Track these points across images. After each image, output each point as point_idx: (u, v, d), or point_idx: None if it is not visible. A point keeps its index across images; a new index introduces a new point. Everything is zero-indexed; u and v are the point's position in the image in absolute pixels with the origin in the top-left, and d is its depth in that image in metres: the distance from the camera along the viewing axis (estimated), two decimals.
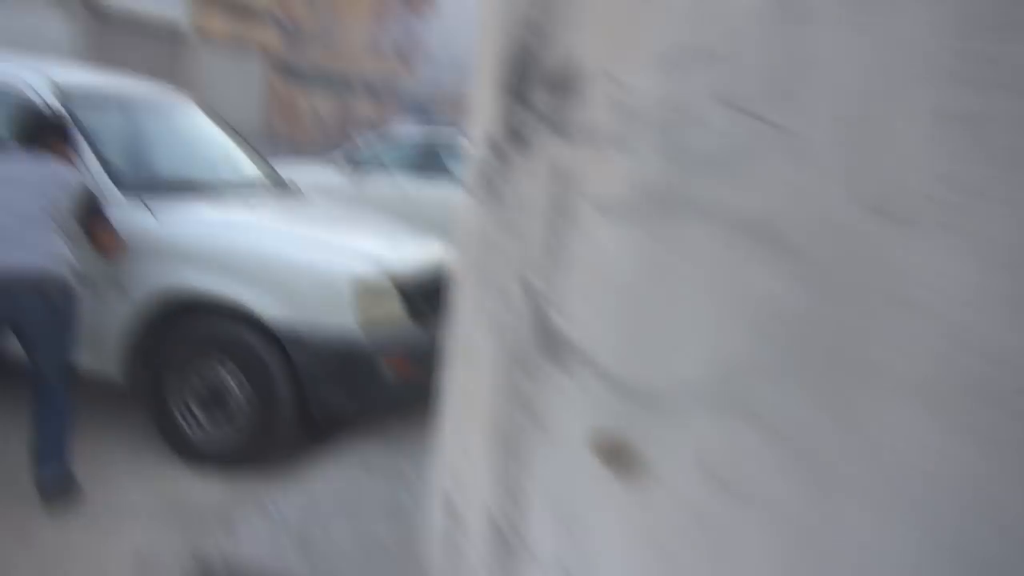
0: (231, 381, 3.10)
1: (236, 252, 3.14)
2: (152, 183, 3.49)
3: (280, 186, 4.29)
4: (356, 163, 8.20)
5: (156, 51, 21.43)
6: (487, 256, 1.34)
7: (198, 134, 4.26)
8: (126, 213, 3.20)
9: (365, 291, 3.12)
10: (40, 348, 2.73)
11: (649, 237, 1.01)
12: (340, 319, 3.06)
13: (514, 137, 1.25)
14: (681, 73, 0.97)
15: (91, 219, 2.96)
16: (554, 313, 1.15)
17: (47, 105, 3.24)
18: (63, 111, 3.25)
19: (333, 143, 23.90)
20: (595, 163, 1.08)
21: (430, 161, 8.05)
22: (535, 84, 1.19)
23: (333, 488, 2.78)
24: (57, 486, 2.76)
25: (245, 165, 4.31)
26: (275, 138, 25.23)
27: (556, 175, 1.14)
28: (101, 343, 3.19)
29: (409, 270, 3.40)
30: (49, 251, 2.70)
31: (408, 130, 10.89)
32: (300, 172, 8.26)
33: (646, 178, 1.01)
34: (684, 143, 0.97)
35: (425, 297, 3.40)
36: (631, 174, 1.03)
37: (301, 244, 3.32)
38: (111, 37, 19.71)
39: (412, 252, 3.68)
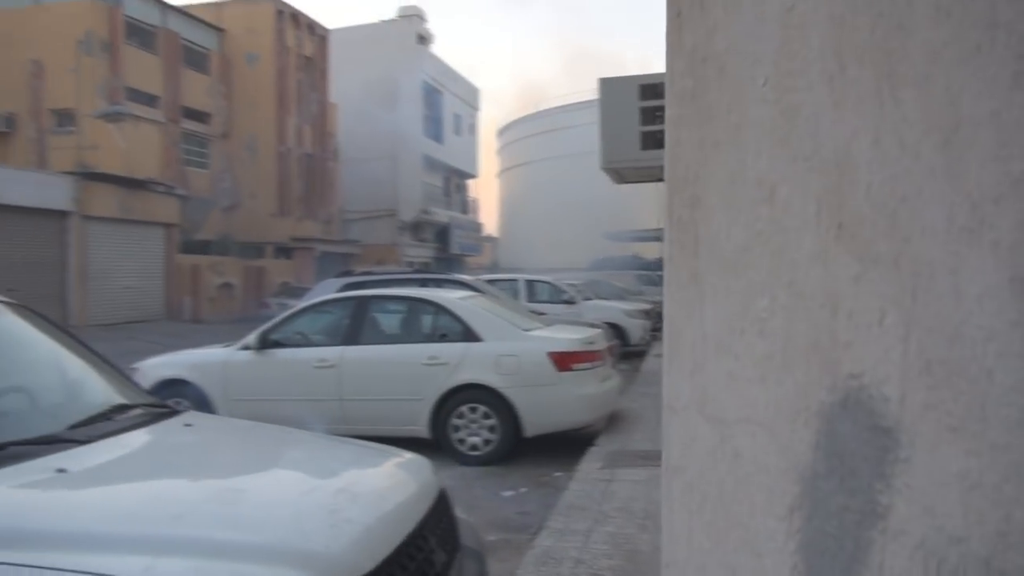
0: None
1: None
2: None
3: (146, 409, 2.65)
4: (267, 339, 6.51)
5: (37, 237, 19.56)
6: None
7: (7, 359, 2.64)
8: None
9: None
10: None
11: None
12: None
13: None
14: None
15: None
16: None
17: None
18: None
19: (246, 315, 21.98)
20: None
21: (358, 324, 6.43)
22: None
23: None
24: None
25: (85, 390, 2.70)
26: (177, 316, 23.25)
27: None
28: None
29: (382, 548, 1.83)
30: None
31: (328, 290, 9.43)
32: (195, 360, 6.55)
33: None
34: None
35: None
36: None
37: (157, 556, 1.54)
38: None
39: (376, 509, 2.08)
